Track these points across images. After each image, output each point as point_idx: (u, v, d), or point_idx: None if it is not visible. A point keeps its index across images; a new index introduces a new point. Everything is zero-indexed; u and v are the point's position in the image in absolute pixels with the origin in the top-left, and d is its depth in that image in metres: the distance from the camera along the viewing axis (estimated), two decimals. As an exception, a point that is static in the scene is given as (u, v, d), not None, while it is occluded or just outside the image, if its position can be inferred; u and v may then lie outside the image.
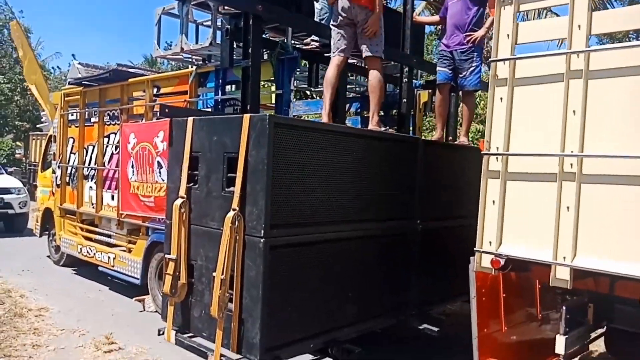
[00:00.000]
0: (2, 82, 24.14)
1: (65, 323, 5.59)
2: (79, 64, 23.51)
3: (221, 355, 3.00)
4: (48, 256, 8.86)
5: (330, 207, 3.29)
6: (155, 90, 6.07)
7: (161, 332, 3.50)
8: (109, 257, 6.84)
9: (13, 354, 4.62)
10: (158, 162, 5.66)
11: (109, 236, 7.09)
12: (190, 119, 3.37)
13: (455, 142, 5.32)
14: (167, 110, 3.59)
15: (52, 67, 32.27)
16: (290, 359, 3.01)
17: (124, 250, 6.69)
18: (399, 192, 3.94)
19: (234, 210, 2.96)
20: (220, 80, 5.16)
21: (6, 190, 11.66)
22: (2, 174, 13.39)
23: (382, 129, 4.06)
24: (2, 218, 11.81)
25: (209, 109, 5.22)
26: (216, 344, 3.00)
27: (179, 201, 3.34)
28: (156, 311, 6.13)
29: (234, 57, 4.47)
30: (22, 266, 8.08)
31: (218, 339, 2.98)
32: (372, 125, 4.02)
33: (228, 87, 5.39)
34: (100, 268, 7.13)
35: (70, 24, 71.54)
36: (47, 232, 8.83)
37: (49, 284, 7.29)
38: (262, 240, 2.88)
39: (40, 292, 6.81)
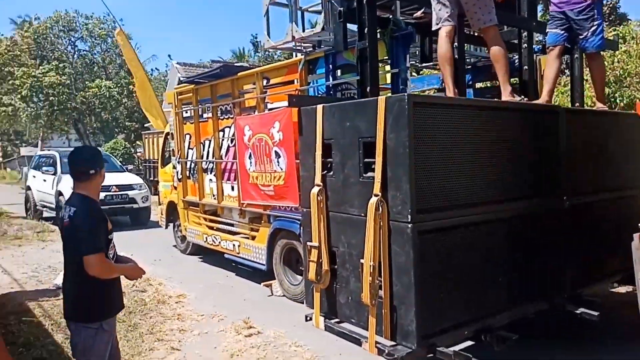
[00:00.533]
0: (111, 87, 26.22)
1: (203, 308, 5.98)
2: (177, 63, 24.86)
3: (376, 342, 3.00)
4: (174, 246, 9.53)
5: (474, 188, 3.14)
6: (264, 81, 6.20)
7: (308, 318, 3.59)
8: (233, 245, 7.19)
9: (165, 338, 5.02)
10: (275, 152, 5.79)
11: (232, 225, 7.44)
12: (319, 107, 3.37)
13: (595, 108, 4.88)
14: (294, 99, 3.61)
15: (151, 70, 34.63)
16: (445, 347, 2.93)
17: (248, 238, 7.00)
18: (544, 167, 3.67)
19: (376, 196, 2.92)
20: (331, 66, 5.13)
21: (130, 187, 12.68)
22: (124, 172, 14.57)
23: (517, 99, 3.80)
24: (127, 212, 12.88)
25: (322, 95, 5.21)
26: (369, 331, 3.01)
27: (315, 189, 3.36)
28: (283, 295, 6.38)
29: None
30: (154, 256, 8.76)
31: (371, 326, 2.99)
32: (505, 96, 3.77)
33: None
34: (225, 255, 7.53)
35: (152, 24, 75.59)
36: (172, 224, 9.50)
37: (180, 271, 7.84)
38: (409, 226, 2.82)
39: (175, 279, 7.34)
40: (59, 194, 12.03)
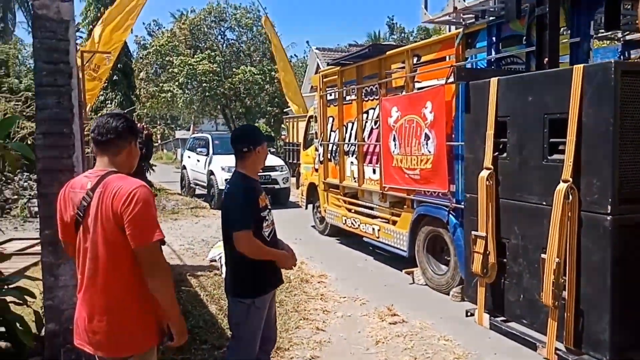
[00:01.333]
0: (255, 73, 27.68)
1: (345, 290, 5.94)
2: (316, 49, 25.35)
3: (555, 348, 2.62)
4: (312, 226, 9.73)
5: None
6: (415, 59, 5.90)
7: (469, 314, 3.30)
8: (373, 229, 7.07)
9: (309, 317, 5.05)
10: (426, 134, 5.49)
11: (372, 208, 7.32)
12: (493, 80, 3.01)
13: None
14: (463, 73, 3.29)
15: (290, 57, 35.97)
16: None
17: (388, 223, 6.82)
18: None
19: (565, 182, 2.51)
20: (494, 38, 4.66)
21: (272, 168, 13.23)
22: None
23: None
24: (269, 192, 13.44)
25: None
26: (548, 335, 2.64)
27: (484, 173, 3.03)
28: (426, 284, 6.10)
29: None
30: (294, 235, 8.99)
31: (551, 331, 2.61)
32: None
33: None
34: (364, 239, 7.45)
35: (290, 12, 78.09)
36: (311, 205, 9.69)
37: (320, 252, 7.94)
38: (608, 218, 2.38)
39: (316, 259, 7.44)
40: (210, 173, 12.99)
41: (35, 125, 3.15)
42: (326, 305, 5.43)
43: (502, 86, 2.95)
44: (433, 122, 5.35)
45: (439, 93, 5.26)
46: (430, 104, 5.37)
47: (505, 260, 3.00)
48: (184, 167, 15.52)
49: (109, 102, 17.85)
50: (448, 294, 5.71)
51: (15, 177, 10.80)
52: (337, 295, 5.77)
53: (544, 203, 2.65)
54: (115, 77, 17.26)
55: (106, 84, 16.71)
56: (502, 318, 3.11)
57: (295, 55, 37.43)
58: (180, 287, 5.66)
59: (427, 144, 5.51)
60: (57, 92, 3.11)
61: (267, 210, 2.91)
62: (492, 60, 4.73)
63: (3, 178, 9.97)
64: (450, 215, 5.43)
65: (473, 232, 3.11)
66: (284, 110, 26.81)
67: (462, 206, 5.21)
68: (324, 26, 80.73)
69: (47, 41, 3.09)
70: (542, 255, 2.59)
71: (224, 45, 31.07)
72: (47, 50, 3.09)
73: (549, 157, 2.68)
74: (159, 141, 37.20)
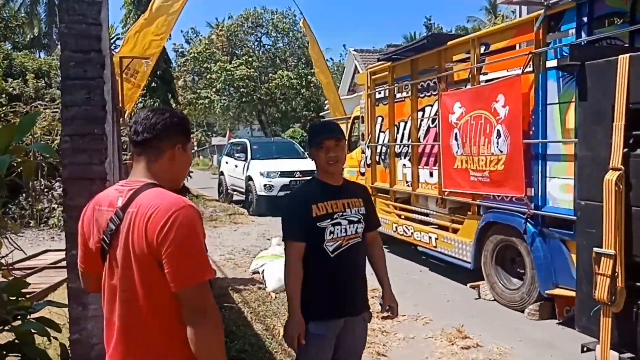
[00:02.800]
0: (291, 77, 27.37)
1: (403, 307, 5.24)
2: (354, 50, 24.89)
3: None
4: (358, 234, 9.14)
5: None
6: (482, 48, 5.26)
7: (585, 349, 2.65)
8: (429, 238, 6.44)
9: (368, 339, 4.42)
10: (498, 131, 4.85)
11: (427, 215, 6.69)
12: (623, 57, 2.38)
13: None
14: (576, 52, 2.67)
15: (326, 60, 35.52)
16: None
17: (448, 231, 6.18)
18: None
19: None
20: (586, 17, 3.99)
21: (312, 173, 12.58)
22: (306, 158, 14.80)
23: None
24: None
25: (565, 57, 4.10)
26: None
27: (612, 175, 2.40)
28: (494, 300, 5.44)
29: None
30: (339, 244, 8.45)
31: None
32: None
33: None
34: (419, 248, 6.83)
35: (324, 15, 77.91)
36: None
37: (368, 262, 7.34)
38: None
39: (366, 270, 6.85)
40: (249, 178, 12.60)
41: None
42: (384, 325, 4.83)
43: (639, 64, 2.32)
44: (507, 118, 4.71)
45: (514, 84, 4.61)
46: (503, 97, 4.73)
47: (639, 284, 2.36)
48: (222, 173, 15.23)
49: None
50: (522, 311, 5.04)
51: (50, 184, 10.56)
52: (396, 313, 5.16)
53: None
54: (153, 84, 17.19)
55: (145, 91, 16.65)
56: (630, 355, 2.46)
57: (331, 58, 36.86)
58: (222, 303, 5.18)
59: (498, 142, 4.87)
60: (86, 86, 2.65)
61: (330, 220, 2.35)
62: (583, 44, 4.05)
63: (40, 187, 9.71)
64: (527, 223, 4.76)
65: (595, 250, 2.47)
66: (320, 114, 26.39)
67: (543, 212, 4.58)
68: (358, 30, 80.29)
69: (76, 26, 2.64)
70: None
71: (261, 50, 30.93)
72: (75, 37, 2.63)
73: None
74: (196, 147, 37.43)
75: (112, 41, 15.85)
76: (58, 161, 2.86)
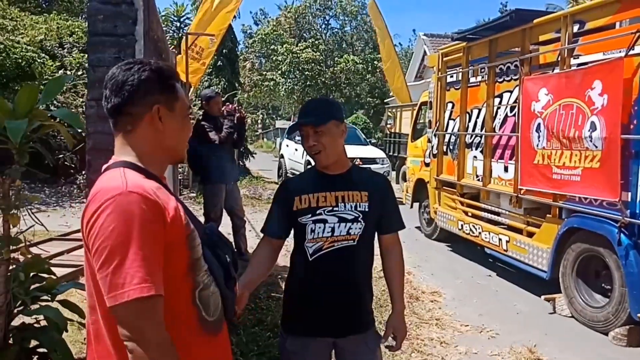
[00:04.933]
0: (357, 62, 26.78)
1: (466, 316, 4.78)
2: (424, 35, 23.95)
3: None
4: (417, 227, 8.57)
5: None
6: (576, 27, 4.53)
7: None
8: (500, 240, 5.79)
9: (424, 350, 3.99)
10: (592, 122, 4.14)
11: (498, 214, 6.04)
12: None
13: None
14: None
15: (394, 45, 34.54)
16: None
17: (521, 233, 5.51)
18: None
19: None
20: None
21: (373, 161, 12.26)
22: (367, 145, 14.29)
23: None
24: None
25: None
26: None
27: None
28: (572, 316, 4.76)
29: None
30: (397, 237, 7.92)
31: None
32: None
33: None
34: (486, 250, 6.19)
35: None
36: (418, 203, 8.54)
37: (430, 260, 6.80)
38: None
39: (425, 269, 6.33)
40: (308, 163, 12.27)
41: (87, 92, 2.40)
42: (444, 335, 4.32)
43: None
44: (604, 108, 4.00)
45: (616, 69, 3.89)
46: (600, 84, 4.02)
47: None
48: (282, 156, 15.05)
49: (213, 87, 17.88)
50: (605, 334, 4.35)
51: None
52: (457, 322, 4.63)
53: None
54: (219, 63, 17.21)
55: (210, 69, 16.72)
56: None
57: (400, 43, 35.84)
58: (270, 293, 4.84)
59: (592, 136, 4.16)
60: (116, 43, 2.33)
61: (311, 215, 1.89)
62: None
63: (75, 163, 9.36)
64: (620, 232, 4.05)
65: None
66: (385, 100, 25.68)
67: (644, 222, 3.86)
68: (429, 15, 77.75)
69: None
70: None
71: (328, 34, 30.52)
72: (104, -15, 2.32)
73: None
74: (260, 129, 37.76)
75: (182, 20, 15.94)
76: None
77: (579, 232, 4.62)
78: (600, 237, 4.32)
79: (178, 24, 15.48)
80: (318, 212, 1.89)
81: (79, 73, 11.05)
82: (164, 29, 13.80)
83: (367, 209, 1.92)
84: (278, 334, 2.11)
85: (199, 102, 8.84)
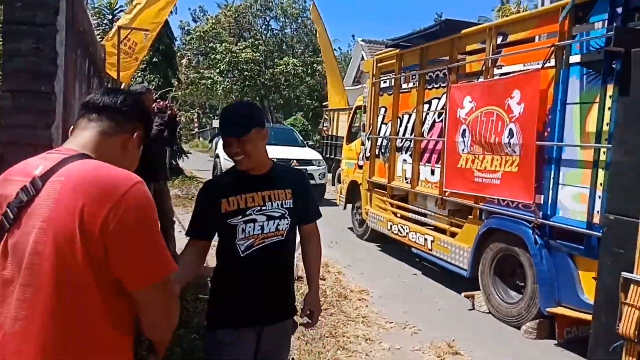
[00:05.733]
0: (297, 64, 26.83)
1: (391, 313, 4.95)
2: (362, 40, 24.43)
3: None
4: (350, 228, 8.75)
5: None
6: (500, 39, 4.82)
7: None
8: (425, 240, 6.04)
9: (349, 347, 4.09)
10: (510, 129, 4.43)
11: (425, 215, 6.29)
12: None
13: None
14: (623, 36, 2.23)
15: (334, 49, 34.89)
16: None
17: (445, 234, 5.78)
18: None
19: None
20: (620, 8, 3.55)
21: (309, 162, 12.32)
22: (304, 147, 14.37)
23: None
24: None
25: (596, 53, 3.67)
26: None
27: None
28: (489, 312, 5.05)
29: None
30: (330, 238, 8.02)
31: None
32: None
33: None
34: (413, 250, 6.43)
35: (333, 5, 76.78)
36: (351, 205, 8.72)
37: (360, 260, 6.96)
38: None
39: (355, 269, 6.47)
40: (244, 162, 12.19)
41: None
42: (369, 332, 4.45)
43: None
44: (521, 116, 4.29)
45: (533, 80, 4.19)
46: (518, 93, 4.31)
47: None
48: (217, 156, 14.80)
49: (147, 83, 17.32)
50: (518, 328, 4.65)
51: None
52: (382, 319, 4.78)
53: None
54: (155, 59, 16.70)
55: (145, 65, 16.18)
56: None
57: (339, 48, 36.29)
58: (199, 294, 4.76)
59: (510, 142, 4.45)
60: (35, 33, 2.22)
61: (242, 216, 1.98)
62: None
63: None
64: (533, 232, 4.35)
65: (624, 274, 2.06)
66: (323, 103, 25.91)
67: (552, 223, 4.17)
68: (368, 23, 79.51)
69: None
70: None
71: (268, 34, 30.37)
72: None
73: None
74: (196, 128, 36.95)
75: (115, 13, 15.33)
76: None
77: (497, 232, 4.91)
78: (516, 237, 4.62)
79: (111, 17, 14.88)
80: (248, 212, 1.99)
81: None
82: (97, 21, 13.13)
83: (291, 205, 2.07)
84: (202, 338, 2.14)
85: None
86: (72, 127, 1.39)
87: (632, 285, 1.99)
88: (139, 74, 16.16)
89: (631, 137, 2.12)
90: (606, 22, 3.66)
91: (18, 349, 1.17)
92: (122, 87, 10.80)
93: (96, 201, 1.14)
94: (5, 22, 2.25)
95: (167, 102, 5.72)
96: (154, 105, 5.34)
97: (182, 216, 7.68)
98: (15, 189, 1.21)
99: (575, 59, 3.95)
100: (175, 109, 5.71)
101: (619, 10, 3.54)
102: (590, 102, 3.78)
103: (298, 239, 2.24)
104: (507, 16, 9.32)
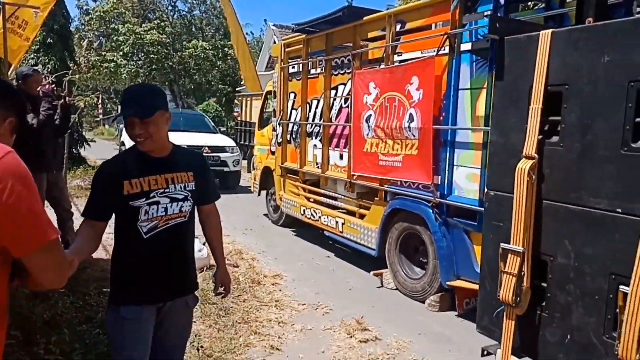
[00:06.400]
0: (207, 48, 26.05)
1: (304, 295, 5.05)
2: (274, 25, 24.20)
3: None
4: (265, 215, 8.76)
5: None
6: (398, 26, 5.00)
7: (486, 352, 2.45)
8: (336, 222, 6.20)
9: (261, 331, 4.13)
10: (410, 114, 4.63)
11: (336, 199, 6.44)
12: (545, 33, 2.15)
13: None
14: (497, 24, 2.40)
15: (245, 34, 34.28)
16: None
17: (355, 216, 5.96)
18: None
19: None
20: (502, 0, 3.82)
21: (222, 149, 12.10)
22: (216, 133, 14.07)
23: None
24: (218, 175, 12.32)
25: (484, 41, 3.93)
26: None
27: (525, 164, 2.17)
28: (396, 289, 5.31)
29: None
30: (244, 225, 8.00)
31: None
32: None
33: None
34: (326, 233, 6.58)
35: (257, -8, 75.68)
36: (265, 191, 8.71)
37: (274, 245, 7.00)
38: None
39: (269, 254, 6.50)
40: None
41: None
42: (282, 315, 4.51)
43: (560, 41, 2.09)
44: (420, 101, 4.50)
45: (428, 66, 4.40)
46: (417, 80, 4.51)
47: (545, 285, 2.18)
48: (122, 144, 14.14)
49: (42, 66, 15.99)
50: (423, 302, 4.94)
51: None
52: (295, 302, 4.87)
53: (620, 210, 1.83)
54: (49, 40, 15.45)
55: (38, 46, 14.94)
56: (533, 361, 2.29)
57: (251, 32, 35.78)
58: (102, 288, 4.54)
59: (410, 126, 4.66)
60: None
61: (145, 199, 2.00)
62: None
63: None
64: (432, 211, 4.62)
65: (503, 245, 2.25)
66: (237, 89, 25.45)
67: (448, 201, 4.45)
68: (280, 6, 78.92)
69: None
70: (622, 288, 1.78)
71: (175, 16, 29.15)
72: None
73: (632, 145, 1.86)
74: (101, 115, 34.85)
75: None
76: None
77: (400, 212, 5.15)
78: (417, 216, 4.87)
79: (-4, -8, 13.52)
80: (152, 195, 2.02)
81: None
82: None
83: (194, 188, 2.15)
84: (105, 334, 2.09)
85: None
86: None
87: (509, 255, 2.20)
88: (32, 56, 14.91)
89: (504, 119, 2.31)
90: (491, 12, 3.93)
91: None
92: (11, 68, 9.92)
93: None
94: None
95: (53, 85, 5.28)
96: (39, 89, 4.93)
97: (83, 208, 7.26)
98: None
99: (465, 46, 4.20)
100: (66, 95, 5.27)
101: (502, 1, 3.81)
102: (479, 88, 4.06)
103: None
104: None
